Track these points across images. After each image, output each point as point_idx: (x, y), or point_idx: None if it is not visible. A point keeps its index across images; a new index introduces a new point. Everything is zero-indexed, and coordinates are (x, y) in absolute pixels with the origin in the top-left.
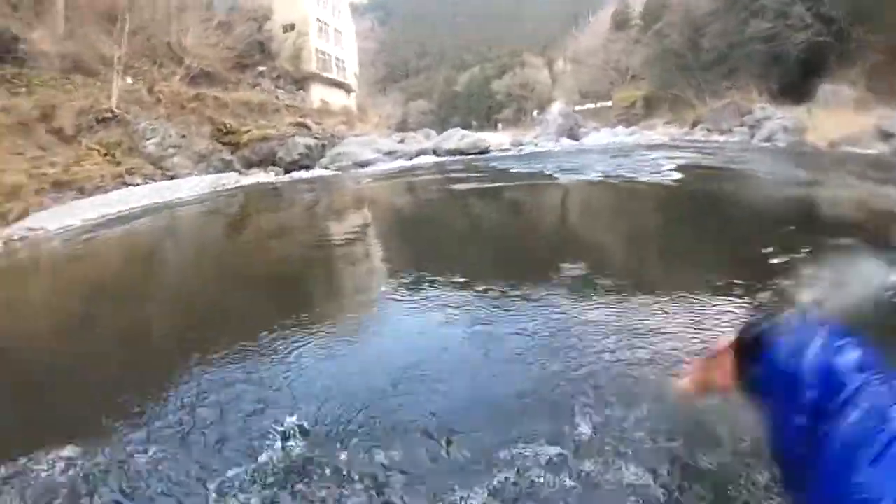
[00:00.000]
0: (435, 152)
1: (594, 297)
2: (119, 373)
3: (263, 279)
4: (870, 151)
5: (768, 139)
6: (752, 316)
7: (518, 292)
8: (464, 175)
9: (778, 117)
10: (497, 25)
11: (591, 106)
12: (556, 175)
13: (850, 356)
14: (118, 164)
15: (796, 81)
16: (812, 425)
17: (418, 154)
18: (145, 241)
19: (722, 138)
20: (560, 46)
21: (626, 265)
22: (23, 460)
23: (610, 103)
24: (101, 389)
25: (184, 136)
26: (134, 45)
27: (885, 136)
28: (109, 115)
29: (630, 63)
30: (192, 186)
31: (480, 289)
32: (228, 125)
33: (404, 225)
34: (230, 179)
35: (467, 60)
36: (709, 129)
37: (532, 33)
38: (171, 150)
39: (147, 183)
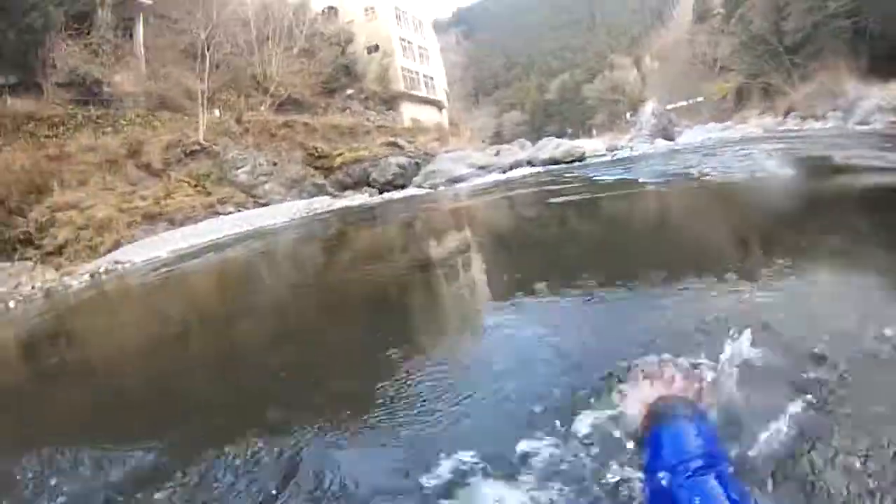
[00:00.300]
0: (530, 163)
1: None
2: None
3: (360, 304)
4: None
5: (864, 121)
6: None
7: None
8: (557, 186)
9: (872, 97)
10: (580, 30)
11: (683, 103)
12: (649, 183)
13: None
14: (209, 194)
15: (884, 56)
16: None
17: (513, 167)
18: (234, 269)
19: (817, 125)
20: (645, 44)
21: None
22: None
23: (701, 98)
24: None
25: (275, 164)
26: (218, 79)
27: None
28: (198, 147)
29: (717, 54)
30: (285, 212)
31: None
32: (320, 149)
33: (498, 243)
34: (323, 203)
35: (555, 67)
36: (801, 117)
37: (615, 34)
38: (262, 178)
39: (239, 211)
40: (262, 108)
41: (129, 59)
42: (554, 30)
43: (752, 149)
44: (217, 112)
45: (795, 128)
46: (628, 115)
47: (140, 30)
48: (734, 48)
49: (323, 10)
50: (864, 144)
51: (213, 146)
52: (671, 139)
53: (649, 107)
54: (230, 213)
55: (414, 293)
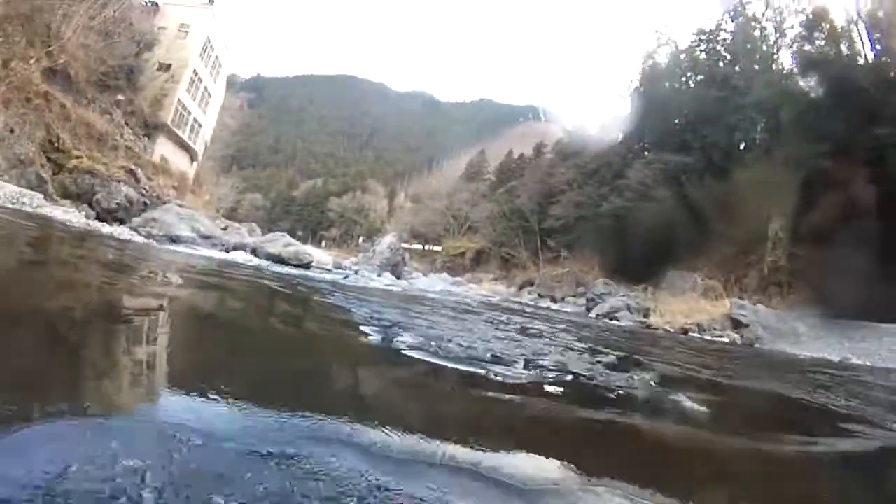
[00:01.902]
0: (255, 252)
1: None
2: None
3: None
4: (723, 339)
5: (608, 315)
6: None
7: None
8: (285, 300)
9: (621, 295)
10: (353, 144)
11: (419, 247)
12: (410, 349)
13: None
14: None
15: (638, 262)
16: None
17: (236, 248)
18: None
19: (555, 306)
20: (406, 182)
21: None
22: None
23: (439, 248)
24: None
25: (12, 131)
26: (17, 5)
27: (737, 324)
28: None
29: (471, 214)
30: None
31: None
32: (63, 142)
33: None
34: (32, 202)
35: (313, 169)
36: (540, 294)
37: (382, 162)
38: None
39: None
40: (35, 65)
41: None
42: (330, 135)
43: (505, 317)
44: None
45: (531, 303)
46: (361, 238)
47: None
48: (490, 214)
49: (146, 3)
50: (636, 342)
51: None
52: (399, 277)
53: (388, 239)
54: None
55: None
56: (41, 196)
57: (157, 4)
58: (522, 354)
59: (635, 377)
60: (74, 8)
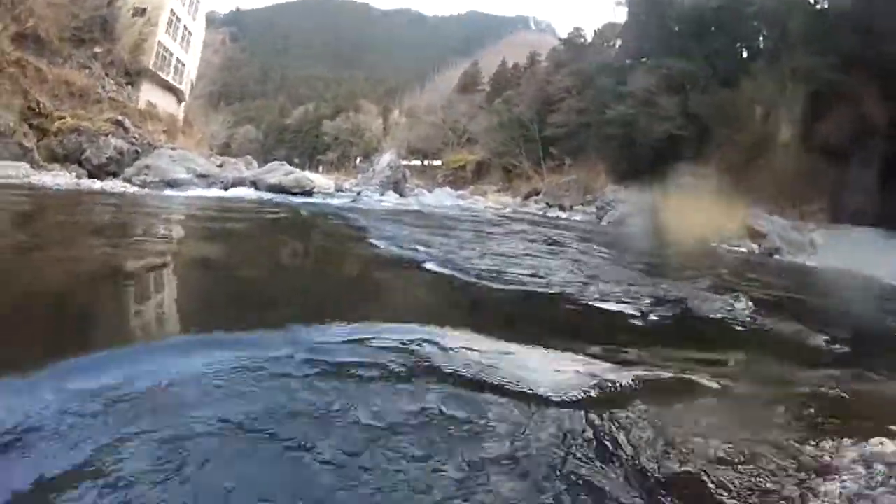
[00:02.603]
0: (255, 185)
1: None
2: None
3: None
4: (740, 249)
5: (619, 222)
6: None
7: None
8: (298, 228)
9: (632, 201)
10: (340, 66)
11: (418, 163)
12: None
13: None
14: None
15: (647, 168)
16: None
17: (234, 184)
18: None
19: (564, 215)
20: (398, 98)
21: None
22: None
23: (439, 162)
24: None
25: None
26: None
27: (754, 234)
28: None
29: (470, 127)
30: None
31: None
32: (43, 106)
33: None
34: (18, 172)
35: (303, 94)
36: (548, 204)
37: (373, 81)
38: None
39: None
40: (1, 31)
41: None
42: (315, 59)
43: (541, 236)
44: None
45: (538, 212)
46: (358, 159)
47: None
48: (489, 125)
49: None
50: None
51: None
52: (402, 194)
53: (387, 157)
54: None
55: None
56: (27, 165)
57: None
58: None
59: (732, 303)
60: None
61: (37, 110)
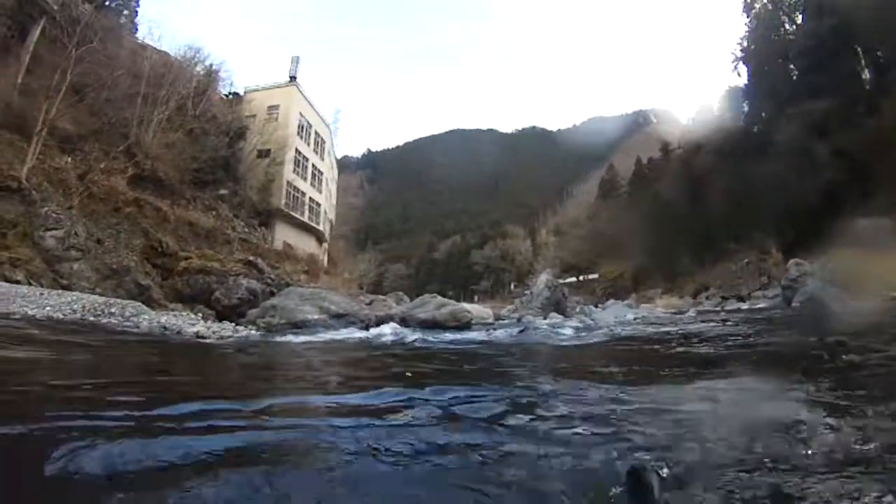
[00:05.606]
0: (404, 321)
1: None
2: None
3: None
4: None
5: (814, 300)
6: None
7: None
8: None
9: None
10: (479, 193)
11: (573, 279)
12: None
13: None
14: (7, 248)
15: (816, 227)
16: None
17: (379, 322)
18: None
19: (744, 305)
20: (543, 218)
21: None
22: None
23: (595, 275)
24: None
25: (98, 241)
26: (83, 122)
27: None
28: (14, 184)
29: (617, 231)
30: (62, 304)
31: None
32: (165, 245)
33: None
34: (123, 311)
35: (448, 228)
36: (724, 297)
37: (514, 205)
38: (74, 253)
39: (30, 284)
40: (119, 175)
41: None
42: (455, 192)
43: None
44: (69, 159)
45: (715, 308)
46: (513, 285)
47: None
48: (636, 226)
49: (228, 95)
50: None
51: (34, 192)
52: (564, 314)
53: (543, 278)
54: (18, 281)
55: None
56: (138, 304)
57: (238, 94)
58: None
59: None
60: (151, 115)
61: (160, 249)
